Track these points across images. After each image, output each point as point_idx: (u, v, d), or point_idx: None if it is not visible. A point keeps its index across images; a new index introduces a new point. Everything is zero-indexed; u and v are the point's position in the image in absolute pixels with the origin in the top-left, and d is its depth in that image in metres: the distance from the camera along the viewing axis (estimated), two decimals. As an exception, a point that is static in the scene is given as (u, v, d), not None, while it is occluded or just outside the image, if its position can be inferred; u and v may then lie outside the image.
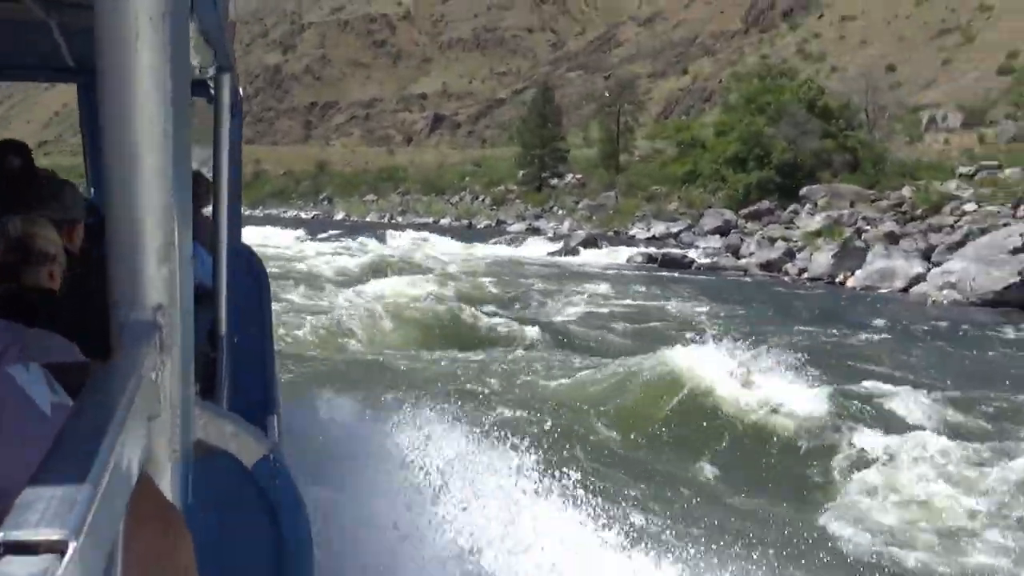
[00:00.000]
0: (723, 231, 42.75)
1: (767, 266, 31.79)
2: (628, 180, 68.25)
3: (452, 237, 44.97)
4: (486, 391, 11.87)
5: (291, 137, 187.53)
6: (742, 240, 37.08)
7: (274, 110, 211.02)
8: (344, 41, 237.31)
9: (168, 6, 1.00)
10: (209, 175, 4.29)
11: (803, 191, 46.15)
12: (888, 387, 12.45)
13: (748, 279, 30.75)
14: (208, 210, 4.34)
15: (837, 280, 28.46)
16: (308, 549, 2.36)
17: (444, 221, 74.45)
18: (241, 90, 5.15)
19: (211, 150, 3.98)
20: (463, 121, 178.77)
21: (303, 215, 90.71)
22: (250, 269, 5.55)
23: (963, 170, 45.38)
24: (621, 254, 37.59)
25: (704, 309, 22.09)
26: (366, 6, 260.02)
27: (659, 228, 47.95)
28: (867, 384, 12.69)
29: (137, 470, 0.96)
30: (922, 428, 10.55)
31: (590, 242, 40.19)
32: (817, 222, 36.23)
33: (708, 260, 34.05)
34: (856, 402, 11.43)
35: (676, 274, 31.35)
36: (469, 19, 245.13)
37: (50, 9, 3.97)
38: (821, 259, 29.41)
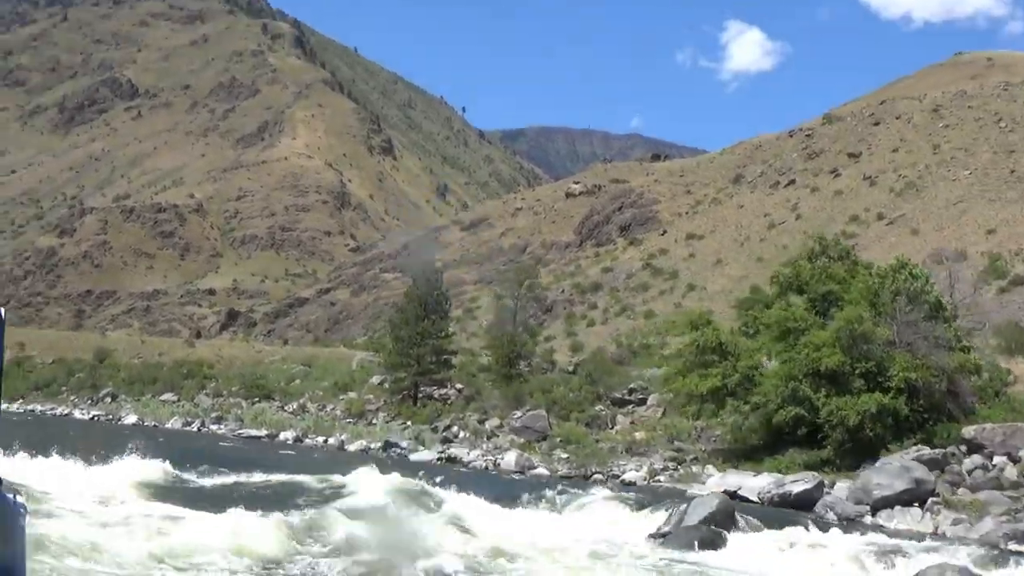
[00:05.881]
0: (919, 498, 22.44)
1: None
2: (551, 397, 47.70)
3: (384, 468, 22.52)
4: None
5: (60, 326, 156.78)
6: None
7: (43, 295, 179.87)
8: (128, 229, 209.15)
9: None
10: None
11: (968, 432, 26.74)
12: None
13: None
14: None
15: None
16: None
17: (285, 436, 50.38)
18: (5, 308, 3.87)
19: None
20: (260, 319, 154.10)
21: (79, 414, 64.96)
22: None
23: None
24: (828, 552, 16.55)
25: None
26: (155, 196, 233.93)
27: (745, 481, 25.87)
28: None
29: None
30: None
31: (724, 522, 18.86)
32: None
33: None
34: None
35: None
36: (264, 217, 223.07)
37: None
38: None
